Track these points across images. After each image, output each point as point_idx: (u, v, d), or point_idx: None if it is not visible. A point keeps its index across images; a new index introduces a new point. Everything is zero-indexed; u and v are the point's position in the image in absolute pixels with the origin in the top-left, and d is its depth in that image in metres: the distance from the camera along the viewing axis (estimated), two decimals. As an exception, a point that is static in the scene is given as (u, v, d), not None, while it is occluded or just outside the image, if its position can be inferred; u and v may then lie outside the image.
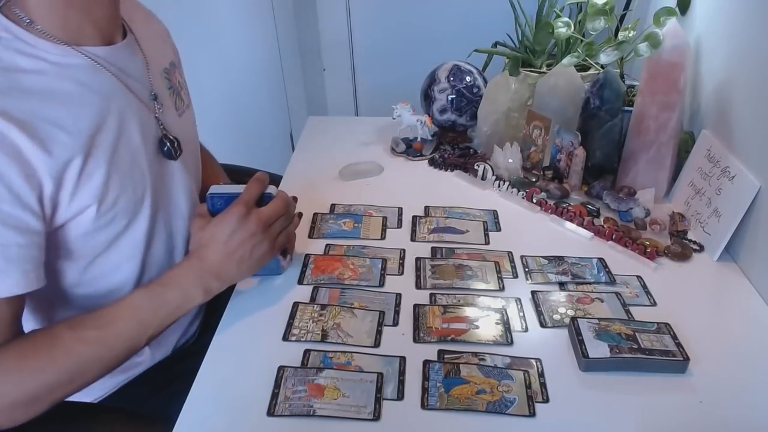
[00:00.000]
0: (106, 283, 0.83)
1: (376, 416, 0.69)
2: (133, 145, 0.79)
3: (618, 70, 1.22)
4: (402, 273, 0.94)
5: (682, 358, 0.75)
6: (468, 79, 1.29)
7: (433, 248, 1.00)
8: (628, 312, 0.85)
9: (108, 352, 0.73)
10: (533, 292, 0.89)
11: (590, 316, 0.83)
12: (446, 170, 1.26)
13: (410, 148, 1.32)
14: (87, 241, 0.77)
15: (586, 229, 1.04)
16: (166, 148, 0.84)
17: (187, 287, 0.77)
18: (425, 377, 0.74)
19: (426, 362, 0.76)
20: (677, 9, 1.17)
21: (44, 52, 0.70)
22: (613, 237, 1.01)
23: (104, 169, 0.74)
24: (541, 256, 0.97)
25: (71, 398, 0.87)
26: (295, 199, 0.92)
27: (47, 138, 0.68)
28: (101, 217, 0.75)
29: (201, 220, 0.82)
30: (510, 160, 1.20)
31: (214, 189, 0.85)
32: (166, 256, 0.90)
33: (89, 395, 0.89)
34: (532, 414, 0.69)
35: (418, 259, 0.96)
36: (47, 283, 0.76)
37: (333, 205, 1.12)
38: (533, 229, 1.06)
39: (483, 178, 1.20)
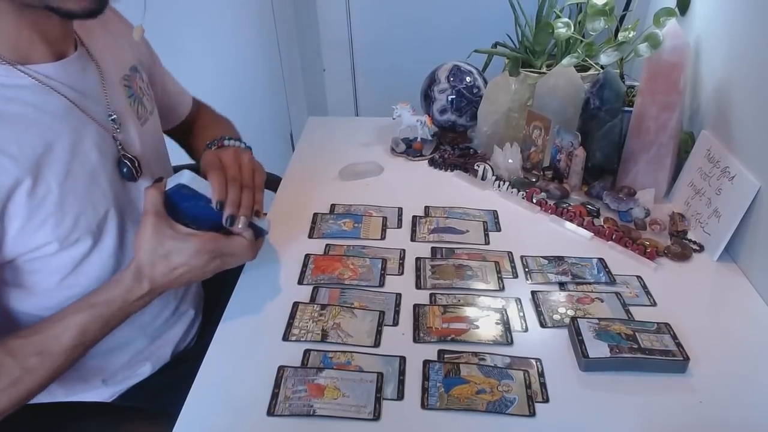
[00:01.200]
0: None
1: (376, 416, 0.69)
2: (90, 165, 0.76)
3: (618, 71, 1.22)
4: (402, 273, 0.94)
5: (682, 358, 0.75)
6: (468, 79, 1.29)
7: (433, 248, 1.00)
8: (628, 312, 0.85)
9: (53, 371, 0.71)
10: (533, 292, 0.89)
11: (590, 316, 0.83)
12: (446, 170, 1.27)
13: (410, 148, 1.32)
14: (50, 262, 0.75)
15: (586, 229, 1.04)
16: (125, 170, 0.81)
17: (124, 285, 0.74)
18: (425, 377, 0.74)
19: (426, 362, 0.76)
20: (677, 9, 1.17)
21: None
22: (613, 237, 1.01)
23: (57, 192, 0.72)
24: (541, 256, 0.97)
25: (75, 398, 0.88)
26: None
27: None
28: (63, 241, 0.73)
29: (157, 223, 0.75)
30: (510, 161, 1.20)
31: (184, 182, 0.77)
32: None
33: (100, 396, 0.89)
34: (532, 414, 0.69)
35: (418, 259, 0.96)
36: (16, 309, 0.76)
37: (333, 205, 1.12)
38: (533, 229, 1.06)
39: (483, 178, 1.20)
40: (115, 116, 0.81)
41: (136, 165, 0.82)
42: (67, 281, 0.77)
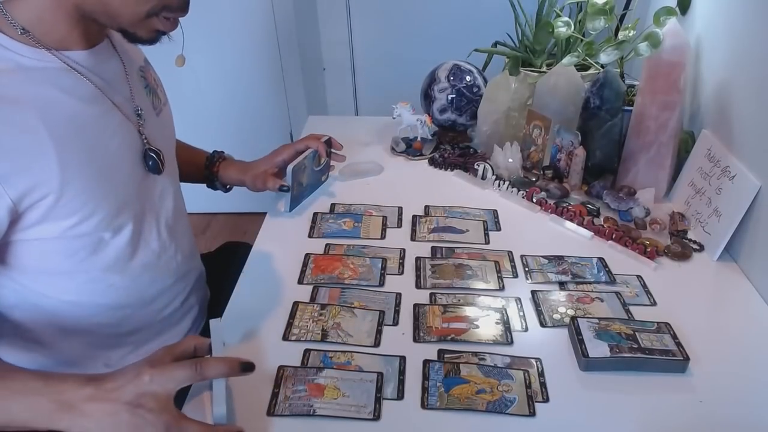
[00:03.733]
0: (93, 292, 0.83)
1: (376, 416, 0.69)
2: (112, 151, 0.78)
3: (618, 70, 1.21)
4: (402, 273, 0.94)
5: (682, 358, 0.75)
6: (468, 78, 1.29)
7: (433, 248, 1.00)
8: (628, 311, 0.85)
9: None
10: (533, 292, 0.89)
11: (590, 316, 0.83)
12: (446, 170, 1.26)
13: (410, 148, 1.32)
14: (71, 244, 0.76)
15: (586, 228, 1.04)
16: (151, 163, 0.84)
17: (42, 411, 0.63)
18: (425, 377, 0.74)
19: (426, 362, 0.76)
20: (677, 9, 1.17)
21: (20, 56, 0.70)
22: (613, 237, 1.01)
23: (79, 173, 0.73)
24: (541, 256, 0.97)
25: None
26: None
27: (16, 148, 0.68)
28: (85, 221, 0.75)
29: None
30: (510, 160, 1.20)
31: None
32: (155, 262, 0.89)
33: None
34: (532, 413, 0.69)
35: (418, 259, 0.96)
36: (36, 290, 0.78)
37: (333, 205, 1.12)
38: (533, 229, 1.06)
39: (483, 177, 1.20)
40: (141, 111, 0.85)
41: (161, 158, 0.85)
42: (83, 265, 0.79)
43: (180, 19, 0.76)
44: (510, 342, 0.80)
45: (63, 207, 0.73)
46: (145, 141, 0.84)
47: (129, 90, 0.84)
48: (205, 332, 1.02)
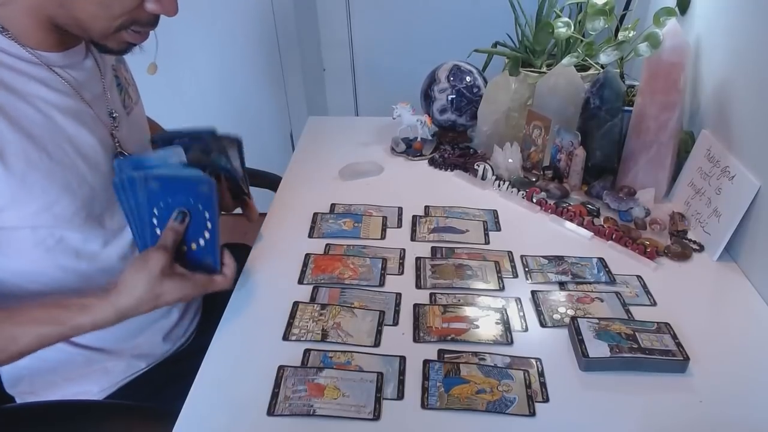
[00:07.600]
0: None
1: (376, 416, 0.69)
2: (78, 144, 0.78)
3: (618, 70, 1.22)
4: (402, 273, 0.94)
5: (682, 358, 0.75)
6: (468, 79, 1.29)
7: (433, 248, 1.00)
8: (628, 312, 0.85)
9: (5, 360, 0.73)
10: (533, 292, 0.89)
11: (590, 316, 0.83)
12: (446, 170, 1.27)
13: (410, 148, 1.32)
14: (36, 233, 0.76)
15: (586, 228, 1.04)
16: None
17: (100, 317, 0.74)
18: (425, 377, 0.74)
19: (426, 362, 0.76)
20: (677, 9, 1.17)
21: None
22: (613, 237, 1.01)
23: (47, 161, 0.74)
24: (541, 256, 0.97)
25: (72, 396, 0.88)
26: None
27: None
28: (51, 207, 0.75)
29: (166, 264, 0.79)
30: (510, 160, 1.20)
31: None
32: (132, 254, 0.88)
33: (88, 394, 0.89)
34: (532, 413, 0.69)
35: (418, 259, 0.96)
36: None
37: (333, 205, 1.12)
38: (533, 229, 1.06)
39: (483, 177, 1.20)
40: (115, 114, 0.85)
41: None
42: (51, 254, 0.78)
43: (170, 21, 0.77)
44: (510, 342, 0.80)
45: (27, 192, 0.72)
46: (117, 144, 0.84)
47: (102, 91, 0.85)
48: (203, 329, 1.02)
